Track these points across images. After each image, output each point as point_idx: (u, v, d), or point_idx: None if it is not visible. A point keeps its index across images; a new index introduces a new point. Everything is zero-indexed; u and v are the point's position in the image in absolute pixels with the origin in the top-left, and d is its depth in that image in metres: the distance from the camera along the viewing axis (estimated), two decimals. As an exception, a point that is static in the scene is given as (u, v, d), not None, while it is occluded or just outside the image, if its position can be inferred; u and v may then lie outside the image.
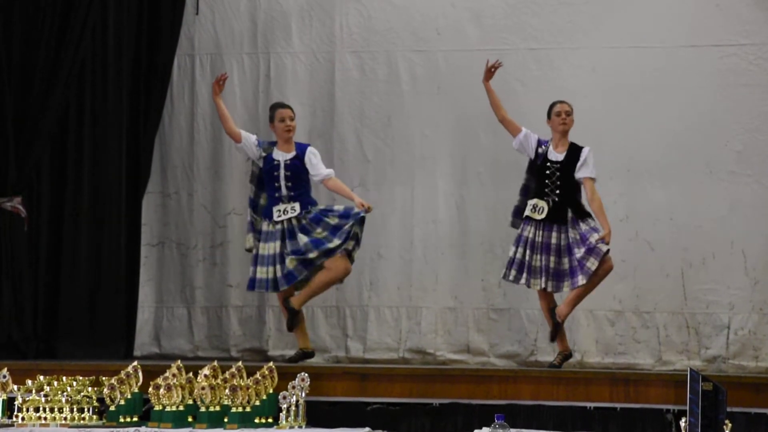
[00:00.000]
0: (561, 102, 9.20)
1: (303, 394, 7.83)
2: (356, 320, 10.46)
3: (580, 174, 9.08)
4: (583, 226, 9.04)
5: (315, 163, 9.32)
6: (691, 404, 6.88)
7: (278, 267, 9.17)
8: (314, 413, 8.01)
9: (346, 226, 9.14)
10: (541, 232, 9.08)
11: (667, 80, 10.10)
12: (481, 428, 7.19)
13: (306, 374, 7.86)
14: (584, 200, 9.14)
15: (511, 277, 9.16)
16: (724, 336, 9.90)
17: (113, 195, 10.45)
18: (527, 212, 9.14)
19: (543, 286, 9.06)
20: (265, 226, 9.27)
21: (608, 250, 8.93)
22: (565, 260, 9.03)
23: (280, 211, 9.22)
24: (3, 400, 8.11)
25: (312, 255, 9.11)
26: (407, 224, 10.48)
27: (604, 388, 8.29)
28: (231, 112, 10.69)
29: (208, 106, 10.77)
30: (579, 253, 8.93)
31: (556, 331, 9.10)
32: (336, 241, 9.11)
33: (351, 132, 10.62)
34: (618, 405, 8.22)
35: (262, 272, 9.23)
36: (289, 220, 9.20)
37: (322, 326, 10.43)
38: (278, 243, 9.20)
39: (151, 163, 10.68)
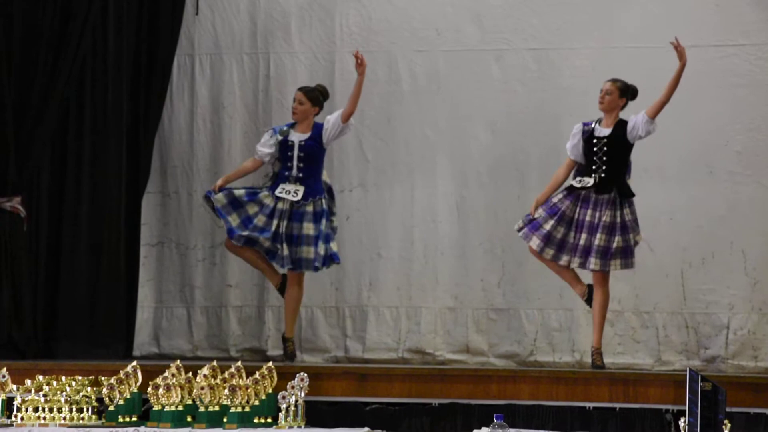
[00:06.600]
0: (607, 80, 9.15)
1: (302, 394, 7.83)
2: (355, 320, 10.45)
3: (633, 133, 8.97)
4: (627, 215, 8.98)
5: (331, 121, 9.39)
6: (691, 404, 6.88)
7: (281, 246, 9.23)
8: (313, 413, 8.01)
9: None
10: (581, 209, 9.01)
11: (666, 80, 10.05)
12: (480, 428, 7.19)
13: (305, 374, 7.86)
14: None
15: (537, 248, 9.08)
16: (723, 336, 9.89)
17: (113, 194, 10.44)
18: (571, 182, 9.03)
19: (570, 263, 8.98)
20: (263, 195, 9.31)
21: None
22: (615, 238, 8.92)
23: (284, 189, 9.26)
24: (2, 400, 8.10)
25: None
26: (407, 224, 10.47)
27: (603, 388, 8.28)
28: (231, 112, 10.73)
29: (207, 105, 10.77)
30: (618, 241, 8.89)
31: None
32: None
33: (350, 132, 10.60)
34: (617, 405, 8.22)
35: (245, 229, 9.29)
36: (287, 201, 9.22)
37: (321, 326, 10.42)
38: (268, 219, 9.23)
39: (151, 162, 10.67)
